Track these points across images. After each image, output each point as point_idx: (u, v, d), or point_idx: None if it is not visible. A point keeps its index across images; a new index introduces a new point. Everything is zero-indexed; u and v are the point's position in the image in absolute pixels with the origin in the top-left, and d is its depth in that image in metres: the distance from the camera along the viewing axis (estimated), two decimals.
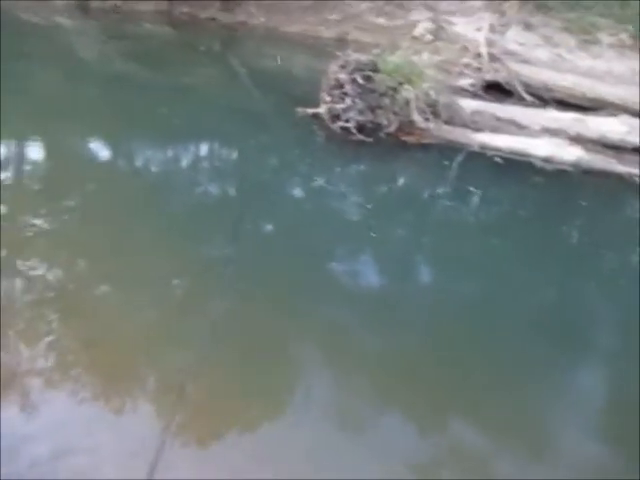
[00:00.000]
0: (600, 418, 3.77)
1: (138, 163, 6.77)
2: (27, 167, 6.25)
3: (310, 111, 7.15)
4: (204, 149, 7.23)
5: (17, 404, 3.27)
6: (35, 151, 6.59)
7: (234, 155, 7.27)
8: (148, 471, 2.90)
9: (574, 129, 6.85)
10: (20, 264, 4.42)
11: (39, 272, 4.37)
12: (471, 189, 6.42)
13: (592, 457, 3.44)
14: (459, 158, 6.76)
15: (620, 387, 4.02)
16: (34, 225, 4.92)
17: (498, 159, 6.67)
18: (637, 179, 6.42)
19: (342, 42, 10.19)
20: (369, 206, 5.93)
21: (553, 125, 6.93)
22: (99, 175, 6.18)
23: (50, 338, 3.82)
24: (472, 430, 3.53)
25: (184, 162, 6.96)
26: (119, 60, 9.43)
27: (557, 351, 4.20)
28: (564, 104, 7.54)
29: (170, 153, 7.07)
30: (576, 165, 6.57)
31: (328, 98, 6.91)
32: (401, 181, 6.66)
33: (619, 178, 6.47)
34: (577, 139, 6.80)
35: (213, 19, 11.05)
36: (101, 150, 6.84)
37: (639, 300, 4.61)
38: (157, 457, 2.98)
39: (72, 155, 6.54)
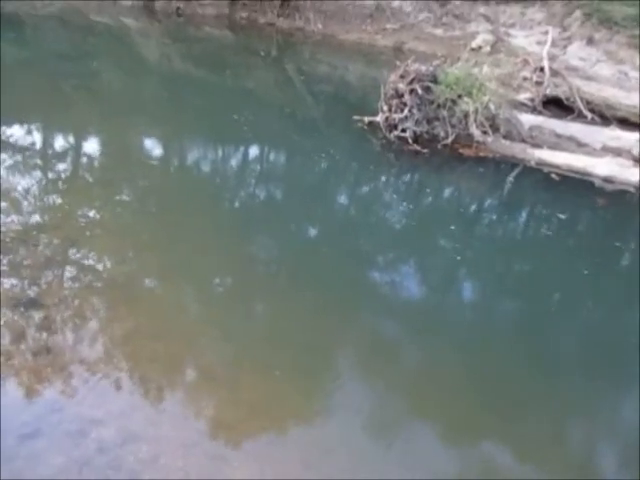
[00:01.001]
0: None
1: (192, 161, 6.95)
2: (86, 160, 6.49)
3: (367, 119, 7.20)
4: (259, 151, 7.36)
5: (81, 390, 3.40)
6: (94, 145, 6.85)
7: (288, 159, 7.38)
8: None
9: (637, 149, 6.68)
10: (74, 254, 4.57)
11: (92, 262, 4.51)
12: (521, 205, 6.35)
13: None
14: (516, 173, 6.69)
15: None
16: (88, 216, 5.11)
17: (556, 176, 6.57)
18: None
19: (398, 51, 10.23)
20: (418, 217, 5.94)
21: (615, 144, 6.78)
22: (156, 171, 6.39)
23: (104, 327, 3.95)
24: (504, 447, 3.49)
25: (239, 163, 7.11)
26: (180, 61, 9.71)
27: (601, 374, 4.11)
28: (627, 123, 7.37)
29: (226, 154, 7.24)
30: (638, 186, 6.41)
31: (386, 107, 6.94)
32: (455, 193, 6.64)
33: None
34: None
35: (272, 24, 11.26)
36: (159, 147, 7.06)
37: None
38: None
39: (131, 150, 6.78)
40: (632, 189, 6.40)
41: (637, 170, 6.41)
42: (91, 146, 6.81)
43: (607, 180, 6.48)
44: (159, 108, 7.84)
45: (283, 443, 3.30)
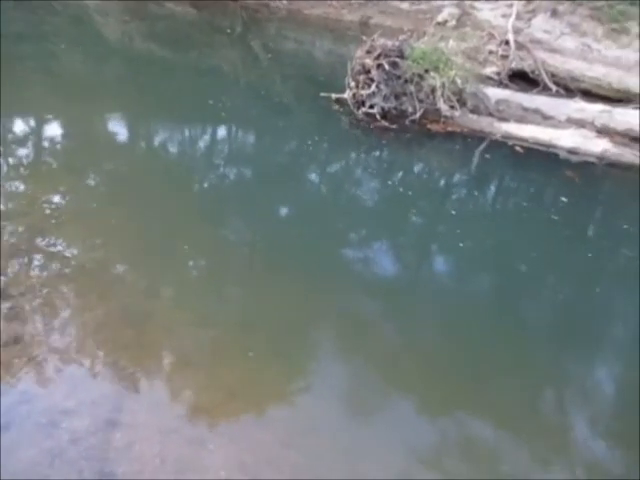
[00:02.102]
0: (607, 413, 3.79)
1: (159, 144, 6.80)
2: (48, 145, 6.29)
3: (334, 96, 7.13)
4: (227, 132, 7.25)
5: (53, 380, 3.35)
6: (57, 130, 6.63)
7: (255, 138, 7.28)
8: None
9: (600, 121, 6.79)
10: (40, 241, 4.46)
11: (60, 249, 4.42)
12: (492, 178, 6.41)
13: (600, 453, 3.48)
14: (484, 147, 6.74)
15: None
16: (54, 202, 4.97)
17: (520, 149, 6.64)
18: None
19: (364, 26, 10.11)
20: (390, 194, 5.95)
21: (579, 116, 6.87)
22: (120, 154, 6.23)
23: (76, 315, 3.89)
24: (482, 420, 3.56)
25: (207, 145, 6.99)
26: (142, 40, 9.43)
27: (571, 342, 4.21)
28: (591, 95, 7.47)
29: (189, 134, 7.09)
30: (602, 157, 6.53)
31: (353, 83, 6.89)
32: (425, 169, 6.67)
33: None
34: (603, 131, 6.75)
35: (236, 0, 10.99)
36: (122, 130, 6.88)
37: None
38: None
39: (93, 134, 6.58)
40: (595, 160, 6.52)
41: (599, 141, 6.52)
42: (53, 130, 6.59)
43: (571, 152, 6.58)
44: (122, 90, 7.62)
45: (261, 425, 3.31)
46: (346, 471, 3.10)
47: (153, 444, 2.97)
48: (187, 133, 7.10)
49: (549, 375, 3.94)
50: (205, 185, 6.00)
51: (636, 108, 6.97)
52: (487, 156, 6.66)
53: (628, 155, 6.49)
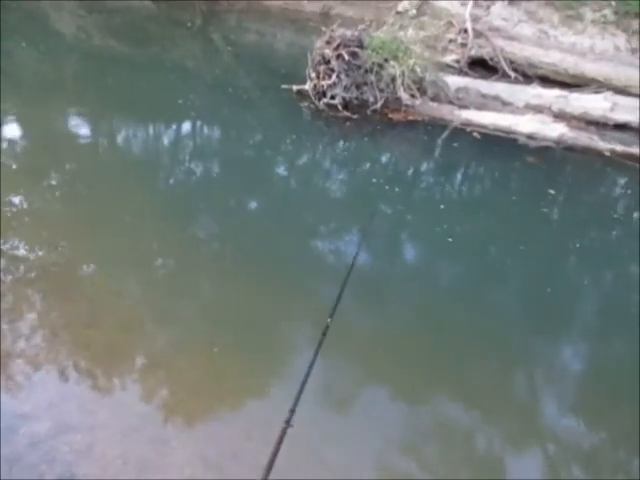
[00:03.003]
0: (583, 392, 3.89)
1: (121, 142, 6.68)
2: (6, 146, 6.11)
3: (295, 88, 7.10)
4: (187, 126, 7.15)
5: (12, 384, 3.29)
6: (15, 130, 6.45)
7: (218, 133, 7.22)
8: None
9: (557, 106, 6.91)
10: (2, 244, 4.37)
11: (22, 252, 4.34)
12: (456, 166, 6.48)
13: (575, 433, 3.56)
14: (445, 135, 6.80)
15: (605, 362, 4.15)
16: (14, 204, 4.87)
17: (479, 136, 6.72)
18: (616, 156, 6.52)
19: (325, 16, 10.08)
20: (356, 185, 5.97)
21: (537, 102, 6.98)
22: (81, 154, 6.10)
23: (38, 318, 3.83)
24: (459, 406, 3.61)
25: (170, 141, 6.90)
26: (100, 35, 9.23)
27: (543, 327, 4.28)
28: (548, 81, 7.59)
29: (152, 131, 7.00)
30: (559, 142, 6.66)
31: (314, 74, 6.87)
32: (387, 158, 6.70)
33: (600, 155, 6.56)
34: (560, 116, 6.88)
35: None
36: (84, 129, 6.73)
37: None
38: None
39: (51, 133, 6.43)
40: (553, 144, 6.65)
41: (557, 126, 6.64)
42: (10, 131, 6.40)
43: (530, 137, 6.69)
44: (82, 88, 7.47)
45: (225, 420, 3.31)
46: (313, 460, 3.12)
47: (114, 445, 2.94)
48: (150, 130, 7.00)
49: (522, 358, 4.00)
50: (169, 182, 5.93)
51: (591, 93, 7.12)
52: (450, 144, 6.72)
53: (583, 138, 6.63)
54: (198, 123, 7.14)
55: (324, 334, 2.55)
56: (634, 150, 6.55)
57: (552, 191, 5.85)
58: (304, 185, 6.10)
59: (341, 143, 6.83)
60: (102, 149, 6.45)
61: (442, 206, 5.63)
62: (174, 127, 7.08)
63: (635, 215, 5.81)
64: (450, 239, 5.00)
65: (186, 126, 7.13)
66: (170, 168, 6.23)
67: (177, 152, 6.65)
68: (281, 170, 6.36)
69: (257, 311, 4.10)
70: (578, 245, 5.32)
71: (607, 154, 6.54)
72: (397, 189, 5.78)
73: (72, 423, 3.03)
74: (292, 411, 1.96)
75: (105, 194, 5.22)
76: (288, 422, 1.94)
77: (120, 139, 6.72)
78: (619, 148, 6.56)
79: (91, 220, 4.88)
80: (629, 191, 6.33)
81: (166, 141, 6.91)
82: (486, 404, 3.61)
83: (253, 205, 5.65)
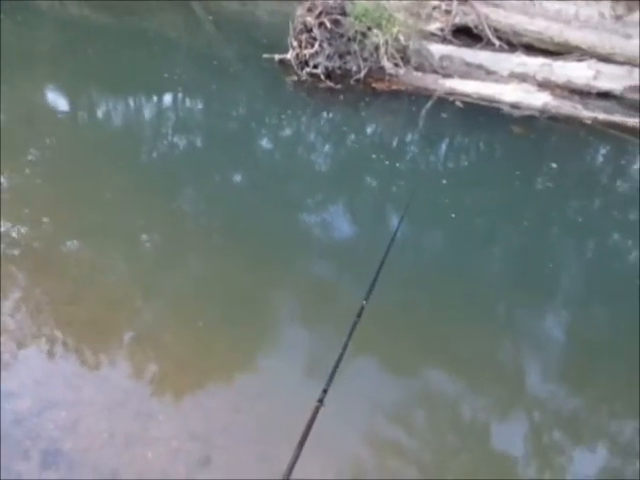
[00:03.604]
0: (567, 359, 3.95)
1: (104, 116, 6.53)
2: None
3: (277, 57, 6.97)
4: (172, 100, 7.01)
5: None
6: None
7: (200, 105, 7.07)
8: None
9: (541, 74, 6.88)
10: None
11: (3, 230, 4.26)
12: (443, 137, 6.44)
13: (558, 398, 3.62)
14: (429, 105, 6.74)
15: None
16: None
17: (463, 105, 6.67)
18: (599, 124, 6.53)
19: None
20: (341, 156, 5.92)
21: (521, 70, 6.94)
22: (61, 127, 5.95)
23: (21, 296, 3.77)
24: (448, 376, 3.64)
25: (152, 114, 6.76)
26: (75, 5, 8.94)
27: (530, 297, 4.31)
28: (532, 49, 7.53)
29: (134, 103, 6.84)
30: (543, 111, 6.64)
31: (295, 43, 6.74)
32: (372, 129, 6.63)
33: (583, 124, 6.56)
34: (544, 84, 6.85)
35: None
36: (65, 102, 6.57)
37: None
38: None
39: (30, 107, 6.26)
40: (537, 113, 6.63)
41: (541, 95, 6.62)
42: None
43: (514, 106, 6.66)
44: (53, 59, 7.26)
45: (211, 393, 3.30)
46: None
47: (100, 420, 2.93)
48: (132, 103, 6.84)
49: (507, 327, 4.05)
50: (152, 156, 5.83)
51: (574, 61, 7.08)
52: (434, 114, 6.67)
53: (567, 107, 6.62)
54: (180, 96, 7.00)
55: (359, 316, 2.56)
56: (617, 118, 6.56)
57: (546, 163, 5.83)
58: (288, 157, 6.04)
59: (325, 114, 6.75)
60: (84, 123, 6.30)
61: (431, 177, 5.61)
62: (156, 100, 6.94)
63: (625, 185, 5.86)
64: (441, 210, 4.99)
65: (168, 99, 6.99)
66: (153, 141, 6.11)
67: (159, 125, 6.53)
68: (264, 143, 6.27)
69: (242, 285, 4.08)
70: (570, 215, 5.36)
71: (590, 123, 6.54)
72: (384, 161, 5.74)
73: (57, 400, 3.01)
74: (325, 391, 2.03)
75: (87, 169, 5.12)
76: (321, 401, 2.01)
77: (100, 113, 6.57)
78: (602, 116, 6.56)
79: (74, 196, 4.79)
80: (621, 161, 6.35)
81: (148, 114, 6.76)
82: (473, 372, 3.66)
83: (238, 178, 5.59)
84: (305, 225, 4.99)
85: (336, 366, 2.23)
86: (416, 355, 3.75)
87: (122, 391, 3.16)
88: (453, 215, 4.96)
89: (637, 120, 6.51)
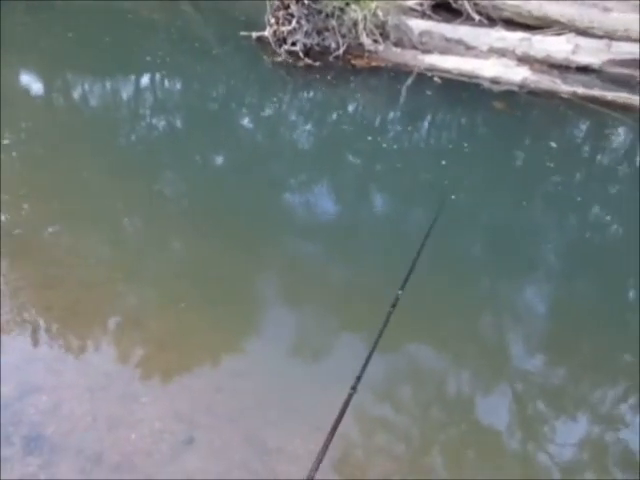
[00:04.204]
0: (547, 328, 4.01)
1: (77, 95, 6.39)
2: None
3: (255, 35, 6.87)
4: (149, 80, 6.88)
5: None
6: None
7: (178, 84, 6.96)
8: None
9: (521, 49, 6.87)
10: None
11: None
12: (426, 114, 6.42)
13: (541, 368, 3.68)
14: (410, 82, 6.70)
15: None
16: None
17: (441, 81, 6.64)
18: (578, 99, 6.56)
19: None
20: (323, 135, 5.87)
21: (500, 45, 6.93)
22: (34, 109, 5.83)
23: (2, 281, 3.72)
24: (426, 348, 3.69)
25: (128, 95, 6.63)
26: None
27: (511, 268, 4.36)
28: (512, 23, 7.51)
29: (111, 84, 6.70)
30: (522, 85, 6.64)
31: (273, 20, 6.64)
32: (353, 107, 6.59)
33: (563, 98, 6.58)
34: (524, 59, 6.85)
35: None
36: (34, 82, 6.41)
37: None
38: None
39: (6, 90, 6.10)
40: (516, 88, 6.63)
41: (520, 69, 6.62)
42: None
43: (494, 81, 6.66)
44: (36, 44, 7.06)
45: (194, 373, 3.30)
46: (283, 407, 3.17)
47: (82, 403, 2.92)
48: (110, 85, 6.69)
49: (488, 301, 4.09)
50: (131, 137, 5.74)
51: (553, 34, 7.08)
52: (415, 90, 6.64)
53: (546, 82, 6.63)
54: (155, 76, 6.87)
55: (394, 306, 2.56)
56: (596, 92, 6.58)
57: (531, 139, 5.80)
58: (268, 137, 5.98)
59: (304, 92, 6.69)
60: (61, 106, 6.17)
61: (414, 154, 5.59)
62: (133, 79, 6.81)
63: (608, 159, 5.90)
64: (427, 187, 4.98)
65: (143, 77, 6.86)
66: (127, 123, 6.01)
67: (134, 106, 6.42)
68: (244, 123, 6.21)
69: (223, 266, 4.06)
70: (555, 189, 5.37)
71: (569, 97, 6.56)
72: (366, 138, 5.70)
73: (38, 384, 2.99)
74: (358, 378, 2.06)
75: (66, 152, 5.03)
76: (354, 388, 2.03)
77: (75, 94, 6.42)
78: (581, 91, 6.58)
79: (52, 179, 4.70)
80: (603, 136, 6.38)
81: (125, 95, 6.63)
82: (456, 345, 3.70)
83: (217, 159, 5.54)
84: (285, 205, 4.96)
85: (370, 355, 2.24)
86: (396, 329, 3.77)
87: (104, 374, 3.14)
88: (453, 197, 4.94)
89: (616, 94, 6.54)
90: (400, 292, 2.66)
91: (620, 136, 6.44)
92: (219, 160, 5.52)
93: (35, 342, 3.33)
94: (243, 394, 3.16)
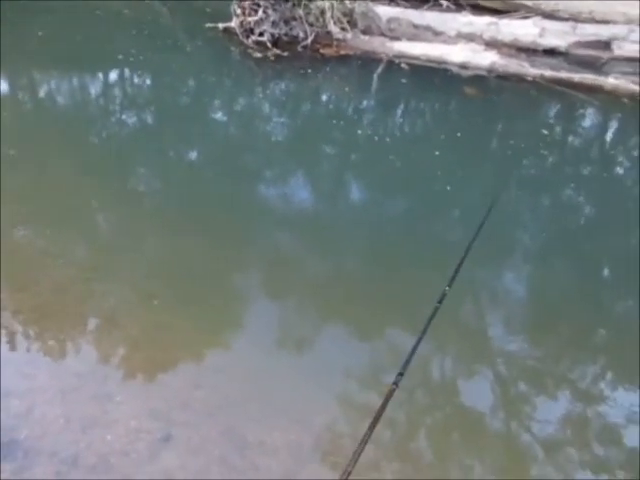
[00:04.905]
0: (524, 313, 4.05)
1: (48, 95, 6.24)
2: None
3: (221, 26, 6.78)
4: (116, 75, 6.75)
5: None
6: None
7: (146, 79, 6.84)
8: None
9: (488, 34, 6.90)
10: None
11: None
12: (398, 102, 6.40)
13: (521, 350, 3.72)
14: (380, 70, 6.69)
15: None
16: None
17: (409, 67, 6.63)
18: (546, 81, 6.61)
19: None
20: (290, 124, 5.83)
21: (468, 30, 6.94)
22: (4, 109, 5.66)
23: None
24: (409, 334, 3.68)
25: (97, 90, 6.50)
26: None
27: (490, 256, 4.33)
28: (479, 8, 7.53)
29: (77, 79, 6.55)
30: (491, 70, 6.68)
31: (239, 10, 6.56)
32: (325, 97, 6.55)
33: (531, 82, 6.63)
34: (491, 44, 6.88)
35: None
36: (4, 83, 6.23)
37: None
38: None
39: None
40: (485, 73, 6.66)
41: (487, 54, 6.65)
42: None
43: (462, 66, 6.68)
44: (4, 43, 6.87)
45: (170, 371, 3.26)
46: (263, 402, 3.16)
47: (55, 405, 2.87)
48: (73, 80, 6.54)
49: (468, 285, 4.07)
50: (101, 134, 5.62)
51: (520, 18, 7.12)
52: (385, 78, 6.64)
53: (514, 66, 6.68)
54: (122, 68, 6.74)
55: (440, 302, 2.54)
56: (563, 75, 6.65)
57: (504, 123, 5.80)
58: (240, 130, 5.92)
59: (273, 83, 6.62)
60: (32, 105, 6.02)
61: (389, 143, 5.57)
62: (96, 73, 6.67)
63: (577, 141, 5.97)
64: (399, 176, 4.97)
65: (110, 72, 6.73)
66: (96, 119, 5.89)
67: (102, 101, 6.30)
68: (216, 116, 6.14)
69: (197, 263, 4.02)
70: (529, 171, 5.41)
71: (538, 80, 6.61)
72: (340, 127, 5.66)
73: (9, 389, 2.92)
74: (400, 374, 2.04)
75: (36, 151, 4.91)
76: (396, 384, 2.02)
77: (39, 90, 6.28)
78: (548, 73, 6.65)
79: (22, 179, 4.58)
80: (573, 118, 6.45)
81: (89, 90, 6.50)
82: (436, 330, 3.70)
83: (191, 154, 5.47)
84: (260, 197, 4.92)
85: (413, 351, 2.22)
86: (378, 321, 3.78)
87: (76, 375, 3.09)
88: (445, 188, 4.93)
89: (582, 75, 6.61)
90: (447, 288, 2.66)
91: (588, 117, 6.53)
92: (192, 155, 5.45)
93: (5, 346, 3.26)
94: (221, 390, 3.13)
